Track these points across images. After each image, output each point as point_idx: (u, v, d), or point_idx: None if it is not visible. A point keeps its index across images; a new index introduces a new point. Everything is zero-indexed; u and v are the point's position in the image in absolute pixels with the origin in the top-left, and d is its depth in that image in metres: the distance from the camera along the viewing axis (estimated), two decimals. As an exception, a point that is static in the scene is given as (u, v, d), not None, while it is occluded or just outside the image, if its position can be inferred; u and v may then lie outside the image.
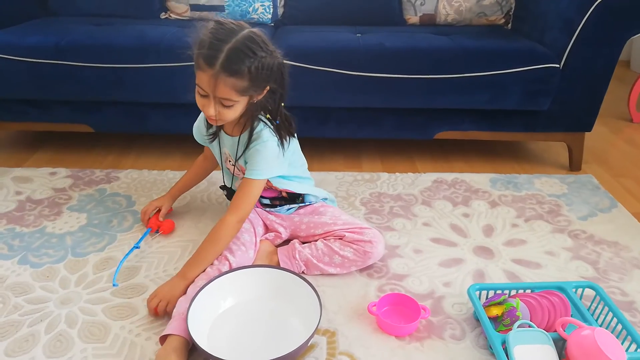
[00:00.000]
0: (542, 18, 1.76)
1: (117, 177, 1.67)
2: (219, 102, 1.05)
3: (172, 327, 0.99)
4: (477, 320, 1.09)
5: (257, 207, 1.34)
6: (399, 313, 1.10)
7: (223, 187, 1.36)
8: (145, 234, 1.34)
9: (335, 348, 1.02)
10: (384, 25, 1.97)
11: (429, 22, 2.03)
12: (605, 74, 1.64)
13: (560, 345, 0.96)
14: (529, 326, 0.97)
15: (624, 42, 1.59)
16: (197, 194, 1.57)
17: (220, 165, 1.33)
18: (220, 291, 1.09)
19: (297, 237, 1.29)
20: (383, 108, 1.70)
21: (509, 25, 2.03)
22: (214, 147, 1.29)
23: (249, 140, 1.15)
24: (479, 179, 1.70)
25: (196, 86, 1.06)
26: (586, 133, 1.76)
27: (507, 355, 0.92)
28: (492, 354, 1.00)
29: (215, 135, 1.24)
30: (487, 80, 1.61)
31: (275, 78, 1.08)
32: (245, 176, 1.18)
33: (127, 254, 1.26)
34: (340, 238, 1.22)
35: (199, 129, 1.30)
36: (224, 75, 1.00)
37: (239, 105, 1.07)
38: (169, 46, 1.60)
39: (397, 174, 1.73)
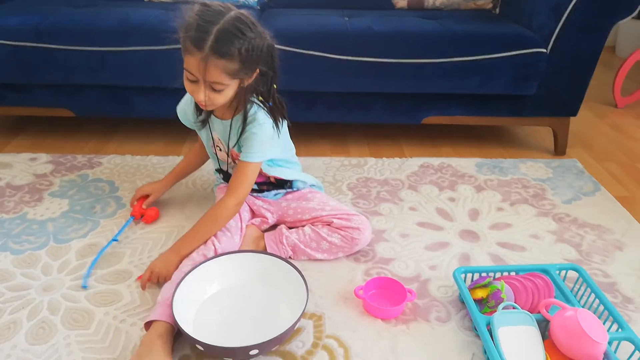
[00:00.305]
0: (530, 3, 1.75)
1: (100, 162, 1.64)
2: (209, 86, 1.02)
3: (157, 313, 0.98)
4: (462, 302, 1.10)
5: None
6: (386, 296, 1.10)
7: (219, 171, 1.34)
8: (125, 225, 1.30)
9: (322, 332, 1.02)
10: (372, 9, 1.95)
11: (417, 6, 2.01)
12: (592, 59, 1.64)
13: (544, 326, 0.98)
14: (513, 308, 0.98)
15: (610, 27, 1.59)
16: (181, 181, 1.54)
17: (208, 150, 1.31)
18: (206, 276, 1.08)
19: (284, 222, 1.28)
20: (372, 92, 1.69)
21: (497, 9, 2.03)
22: (202, 132, 1.27)
23: (244, 123, 1.13)
24: (465, 163, 1.71)
25: (184, 71, 1.03)
26: (571, 118, 1.77)
27: (491, 337, 0.93)
28: (477, 336, 1.01)
29: (205, 122, 1.21)
30: (475, 64, 1.60)
31: (265, 60, 1.06)
32: (241, 159, 1.16)
33: (103, 249, 1.22)
34: (328, 224, 1.22)
35: (185, 113, 1.28)
36: (213, 58, 0.98)
37: (230, 90, 1.05)
38: (152, 29, 1.56)
39: (384, 159, 1.73)
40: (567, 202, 1.50)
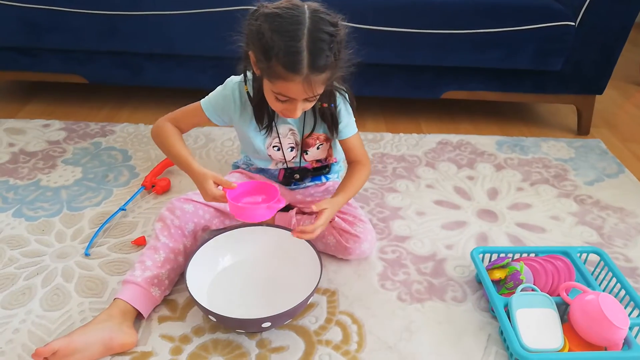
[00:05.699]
0: (559, -27, 1.67)
1: (113, 130, 1.62)
2: (305, 100, 0.93)
3: (125, 291, 0.96)
4: (479, 283, 1.08)
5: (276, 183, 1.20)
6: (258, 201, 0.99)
7: (292, 172, 1.18)
8: (134, 195, 1.29)
9: (335, 307, 1.01)
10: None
11: (440, -25, 1.93)
12: (622, 34, 1.57)
13: (563, 309, 0.95)
14: (532, 290, 0.96)
15: (643, -1, 1.51)
16: (195, 150, 1.53)
17: (256, 155, 1.16)
18: (220, 249, 1.07)
19: (292, 203, 1.22)
20: (390, 64, 1.63)
21: (523, -20, 1.94)
22: (257, 139, 1.11)
23: (329, 102, 1.07)
24: (485, 141, 1.66)
25: (272, 94, 0.93)
26: (596, 96, 1.71)
27: (509, 318, 0.92)
28: (494, 317, 1.00)
29: (270, 127, 1.09)
30: (500, 37, 1.54)
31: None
32: (343, 138, 1.11)
33: (110, 218, 1.21)
34: (330, 221, 1.11)
35: (224, 110, 1.09)
36: (314, 76, 0.87)
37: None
38: (165, -7, 1.52)
39: (402, 134, 1.68)
40: (589, 184, 1.46)
